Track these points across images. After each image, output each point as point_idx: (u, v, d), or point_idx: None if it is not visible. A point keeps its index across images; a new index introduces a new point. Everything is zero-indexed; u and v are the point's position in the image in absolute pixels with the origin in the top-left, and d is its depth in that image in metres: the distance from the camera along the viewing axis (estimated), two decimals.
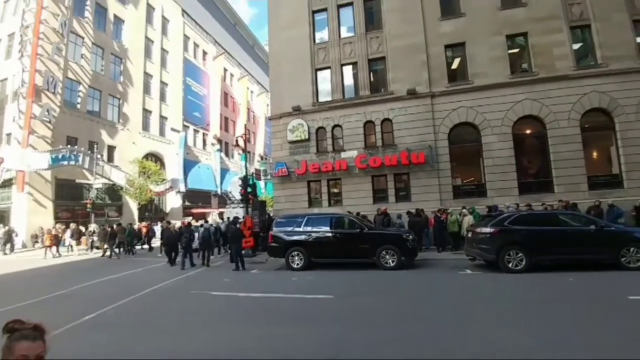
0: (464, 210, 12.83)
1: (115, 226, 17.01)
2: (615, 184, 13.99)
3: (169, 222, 15.83)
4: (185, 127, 35.85)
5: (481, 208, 13.15)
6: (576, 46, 15.04)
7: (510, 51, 15.52)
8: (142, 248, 18.91)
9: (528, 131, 15.21)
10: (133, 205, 27.57)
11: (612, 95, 14.09)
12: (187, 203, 34.07)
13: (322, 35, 18.03)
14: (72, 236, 17.77)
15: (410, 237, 10.11)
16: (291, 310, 6.17)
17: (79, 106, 24.96)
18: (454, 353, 3.96)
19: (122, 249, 16.78)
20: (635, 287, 6.63)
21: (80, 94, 25.19)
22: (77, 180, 22.82)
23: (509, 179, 14.52)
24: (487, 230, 8.96)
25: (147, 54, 31.95)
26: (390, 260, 9.66)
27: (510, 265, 8.44)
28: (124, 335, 5.14)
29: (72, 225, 18.90)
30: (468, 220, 11.98)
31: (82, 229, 19.81)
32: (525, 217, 9.19)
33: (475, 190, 15.30)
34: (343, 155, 16.21)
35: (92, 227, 19.43)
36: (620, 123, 14.02)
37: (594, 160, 14.80)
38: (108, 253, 15.69)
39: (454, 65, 16.30)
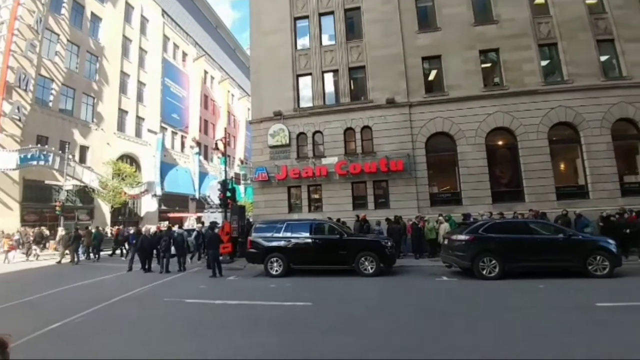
0: (440, 218, 13.15)
1: (79, 229, 16.20)
2: (581, 194, 14.73)
3: (138, 227, 15.27)
4: (163, 129, 34.96)
5: (457, 216, 13.52)
6: (544, 63, 15.88)
7: (483, 65, 16.17)
8: (112, 254, 18.04)
9: (500, 142, 15.84)
10: (106, 209, 26.47)
11: (578, 110, 14.92)
12: (163, 207, 33.08)
13: (303, 42, 18.16)
14: (34, 240, 16.77)
15: (389, 243, 10.25)
16: (268, 318, 6.06)
17: (51, 104, 23.88)
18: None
19: (90, 254, 16.00)
20: (602, 294, 6.93)
21: (53, 91, 24.14)
22: (46, 182, 21.73)
23: (482, 188, 15.04)
24: (463, 237, 9.23)
25: (125, 53, 31.06)
26: (369, 267, 9.73)
27: (484, 272, 8.70)
28: (90, 346, 4.88)
29: (35, 229, 17.87)
30: (444, 227, 12.29)
31: (47, 232, 18.76)
32: (498, 225, 9.53)
33: (451, 198, 15.73)
34: (323, 161, 16.28)
35: (60, 230, 18.47)
36: (585, 137, 14.84)
37: (561, 172, 15.56)
38: (68, 259, 14.82)
39: (431, 77, 16.80)
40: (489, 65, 16.42)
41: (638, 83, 14.75)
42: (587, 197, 14.52)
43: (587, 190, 14.67)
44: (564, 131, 15.25)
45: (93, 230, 16.91)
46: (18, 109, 20.78)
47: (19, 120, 21.04)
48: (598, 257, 8.52)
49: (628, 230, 10.97)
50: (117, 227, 22.53)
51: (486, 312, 6.12)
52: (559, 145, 15.27)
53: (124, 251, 17.51)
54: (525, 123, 15.16)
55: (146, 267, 11.94)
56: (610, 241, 8.86)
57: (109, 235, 20.46)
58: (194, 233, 15.92)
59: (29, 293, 8.35)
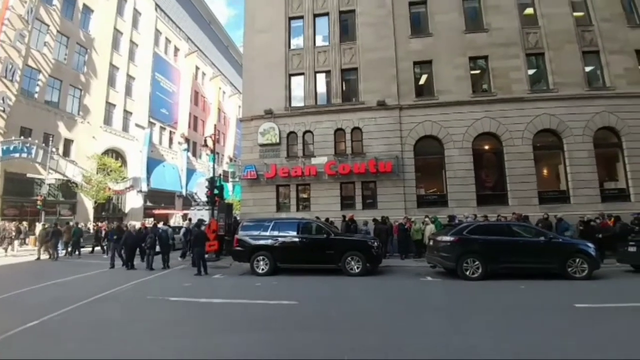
0: (426, 219, 13.33)
1: (58, 225, 15.78)
2: (563, 199, 15.18)
3: (120, 224, 14.95)
4: (151, 124, 34.37)
5: (443, 218, 13.74)
6: (531, 72, 16.32)
7: (472, 72, 16.52)
8: (92, 251, 17.53)
9: (486, 147, 16.19)
10: (89, 204, 25.84)
11: (562, 118, 15.39)
12: (148, 203, 32.50)
13: (297, 41, 18.18)
14: (16, 235, 16.24)
15: (376, 243, 10.34)
16: (253, 317, 6.03)
17: (36, 95, 23.19)
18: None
19: (70, 250, 15.62)
20: (581, 295, 7.14)
21: (40, 83, 23.46)
22: (28, 175, 21.01)
23: (468, 191, 15.33)
24: (448, 238, 9.39)
25: (115, 45, 30.44)
26: (355, 267, 9.80)
27: (467, 272, 8.87)
28: (68, 345, 4.71)
29: (6, 223, 17.22)
30: (430, 229, 12.47)
31: (24, 227, 18.10)
32: (482, 228, 9.76)
33: (437, 200, 15.98)
34: (313, 161, 16.32)
35: (38, 225, 17.90)
36: (568, 144, 15.31)
37: (544, 177, 15.99)
38: (46, 255, 14.41)
39: (422, 81, 17.06)
40: (478, 72, 16.79)
41: (620, 93, 15.31)
42: (568, 201, 14.97)
43: (568, 195, 15.11)
44: (547, 138, 15.69)
45: (73, 227, 16.42)
46: (3, 99, 20.15)
47: (3, 111, 20.37)
48: (577, 260, 8.78)
49: (600, 235, 11.36)
50: (97, 223, 22.02)
51: (467, 311, 6.25)
52: (542, 151, 15.69)
53: (104, 248, 17.11)
54: (511, 129, 15.53)
55: (129, 264, 11.70)
56: (590, 245, 9.15)
57: (91, 231, 19.90)
58: (183, 230, 15.73)
59: (4, 290, 8.01)
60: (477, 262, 8.89)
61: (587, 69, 15.92)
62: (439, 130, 15.94)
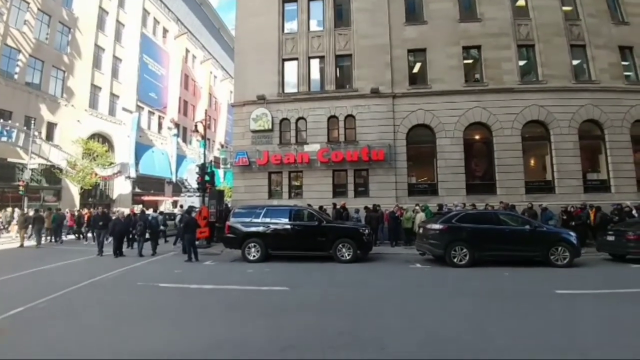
0: (417, 208, 13.54)
1: (39, 211, 15.42)
2: (548, 189, 15.60)
3: (104, 209, 14.67)
4: (140, 108, 33.46)
5: (433, 206, 13.94)
6: (522, 63, 16.48)
7: (465, 61, 16.56)
8: (78, 237, 17.17)
9: (477, 137, 16.38)
10: (74, 190, 25.27)
11: (549, 109, 15.66)
12: (137, 190, 31.99)
13: (291, 26, 17.80)
14: None
15: (367, 231, 10.48)
16: (244, 303, 6.09)
17: (16, 76, 22.24)
18: (396, 344, 4.20)
19: (49, 237, 15.32)
20: (562, 282, 7.41)
21: (20, 63, 22.46)
22: (8, 159, 20.39)
23: (458, 180, 15.56)
24: (437, 226, 9.59)
25: (100, 25, 29.25)
26: (346, 254, 9.93)
27: (455, 260, 9.11)
28: (53, 331, 4.62)
29: None
30: (420, 217, 12.68)
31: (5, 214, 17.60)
32: (470, 216, 9.97)
33: (428, 188, 16.20)
34: (306, 148, 16.25)
35: (16, 211, 17.40)
36: (554, 135, 15.62)
37: (531, 167, 16.33)
38: (28, 242, 14.09)
39: (415, 69, 17.01)
40: (471, 61, 16.83)
41: (605, 87, 15.74)
42: (553, 192, 15.39)
43: (553, 185, 15.53)
44: (536, 129, 15.97)
45: (53, 213, 15.98)
46: None
47: None
48: (560, 248, 9.12)
49: (573, 223, 11.83)
50: (80, 210, 21.36)
51: (453, 296, 6.44)
52: (530, 142, 15.98)
53: (83, 235, 16.79)
54: (501, 119, 15.72)
55: (118, 251, 11.58)
56: (572, 233, 9.52)
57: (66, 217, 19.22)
58: (178, 217, 15.61)
59: None
60: (464, 250, 9.13)
61: (575, 62, 16.22)
62: (431, 119, 16.02)
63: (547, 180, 15.88)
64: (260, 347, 4.02)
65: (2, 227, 15.70)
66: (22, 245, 13.95)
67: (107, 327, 4.81)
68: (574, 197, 14.68)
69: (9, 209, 17.74)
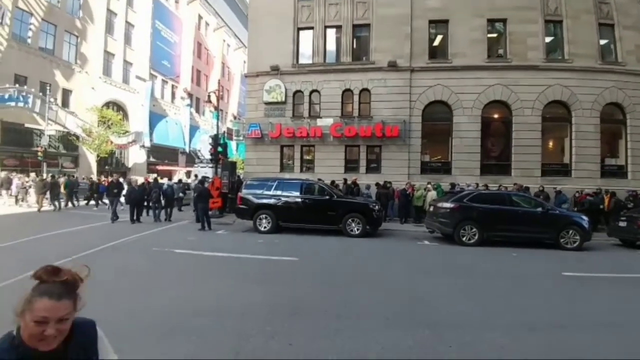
0: (428, 186, 13.47)
1: (55, 176, 15.81)
2: (564, 172, 15.26)
3: (118, 177, 14.94)
4: (153, 77, 33.28)
5: (445, 185, 13.85)
6: (548, 39, 15.61)
7: (489, 35, 15.77)
8: (87, 203, 17.48)
9: (496, 115, 15.88)
10: (91, 157, 25.87)
11: (573, 90, 14.98)
12: (152, 159, 32.55)
13: None
14: (2, 185, 16.34)
15: (377, 207, 10.55)
16: (255, 271, 6.31)
17: (29, 41, 22.16)
18: (400, 316, 4.33)
19: (64, 202, 15.72)
20: (570, 264, 7.45)
21: (32, 27, 22.29)
22: (26, 125, 20.76)
23: (473, 160, 15.29)
24: (448, 205, 9.58)
25: None
26: (355, 228, 10.06)
27: (464, 238, 9.16)
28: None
29: (3, 174, 17.09)
30: (431, 195, 12.64)
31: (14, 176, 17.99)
32: (482, 196, 9.92)
33: (441, 167, 16.01)
34: (319, 122, 16.07)
35: (33, 176, 17.89)
36: (576, 117, 15.05)
37: (549, 149, 15.90)
38: (45, 206, 14.53)
39: (436, 42, 16.29)
40: (495, 35, 16.03)
41: (630, 70, 15.00)
42: (569, 175, 15.08)
43: (570, 169, 15.20)
44: (557, 110, 15.40)
45: (65, 179, 16.32)
46: None
47: None
48: (570, 232, 9.10)
49: (575, 208, 11.75)
50: (100, 177, 21.81)
51: (459, 273, 6.54)
52: (550, 123, 15.48)
53: (96, 201, 17.14)
54: (522, 98, 15.14)
55: (134, 218, 11.95)
56: (584, 217, 9.45)
57: (87, 183, 19.61)
58: (193, 185, 15.88)
59: (10, 239, 8.06)
60: (474, 229, 9.15)
61: (602, 42, 15.38)
62: (449, 96, 15.52)
63: (564, 163, 15.50)
64: (270, 311, 4.21)
65: (26, 192, 16.22)
66: (39, 210, 14.25)
67: (121, 288, 5.00)
68: (590, 182, 14.37)
69: (32, 174, 18.24)
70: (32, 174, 18.40)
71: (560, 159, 15.75)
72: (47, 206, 14.75)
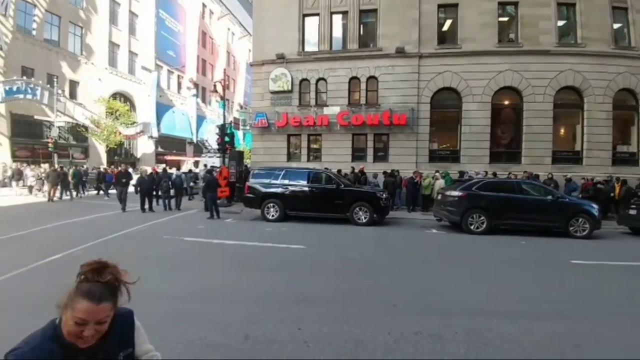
0: (437, 174, 13.38)
1: (63, 167, 16.10)
2: (575, 160, 15.00)
3: (126, 167, 15.12)
4: (158, 67, 33.28)
5: (454, 173, 13.74)
6: (560, 23, 15.14)
7: (500, 19, 15.33)
8: (97, 193, 17.79)
9: (506, 102, 15.57)
10: (101, 148, 26.18)
11: (586, 75, 14.59)
12: (160, 149, 32.82)
13: None
14: (12, 177, 16.62)
15: (384, 195, 10.54)
16: (263, 258, 6.40)
17: (34, 32, 22.22)
18: (407, 303, 4.36)
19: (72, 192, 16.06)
20: (578, 253, 7.35)
21: (36, 18, 22.32)
22: (35, 117, 20.98)
23: (482, 147, 15.09)
24: (456, 193, 9.52)
25: None
26: (362, 217, 10.09)
27: (472, 227, 9.11)
28: None
29: (16, 165, 17.37)
30: (440, 183, 12.58)
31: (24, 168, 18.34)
32: (491, 184, 9.82)
33: (449, 155, 15.84)
34: (325, 110, 15.96)
35: (47, 167, 18.18)
36: (588, 103, 14.68)
37: (560, 136, 15.59)
38: (59, 195, 14.88)
39: (445, 27, 15.90)
40: (506, 19, 15.60)
41: None
42: (580, 162, 14.84)
43: (581, 156, 14.94)
44: (569, 96, 15.05)
45: (73, 169, 16.57)
46: None
47: (0, 48, 19.59)
48: (580, 220, 8.99)
49: (580, 195, 11.54)
50: (112, 167, 22.21)
51: (466, 261, 6.54)
52: (562, 109, 15.14)
53: (104, 191, 17.41)
54: (534, 84, 14.80)
55: (145, 207, 12.15)
56: (594, 205, 9.30)
57: (92, 173, 19.90)
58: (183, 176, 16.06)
59: (24, 227, 8.23)
60: (482, 217, 9.09)
61: (615, 26, 14.87)
62: (458, 82, 15.23)
63: (575, 151, 15.24)
64: (278, 297, 4.28)
65: (42, 183, 16.52)
66: (51, 200, 14.49)
67: (136, 275, 5.10)
68: (601, 169, 14.13)
69: (45, 165, 18.55)
70: (46, 165, 18.70)
71: (571, 146, 15.46)
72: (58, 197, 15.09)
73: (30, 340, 1.01)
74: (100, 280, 1.02)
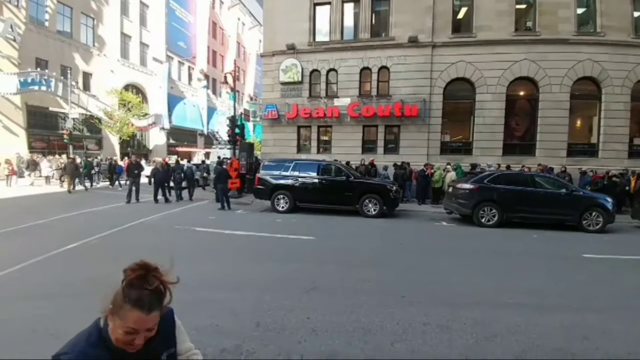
0: (448, 167, 13.23)
1: (75, 158, 16.44)
2: (591, 152, 14.61)
3: (137, 159, 15.32)
4: (169, 58, 33.43)
5: (465, 166, 13.55)
6: (580, 11, 14.59)
7: (517, 6, 14.85)
8: (120, 183, 18.10)
9: (521, 93, 15.19)
10: (114, 139, 26.64)
11: (604, 65, 14.10)
12: (171, 141, 33.22)
13: None
14: (27, 167, 17.04)
15: (394, 188, 10.49)
16: (273, 248, 6.49)
17: (47, 24, 22.46)
18: (416, 294, 4.38)
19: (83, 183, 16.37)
20: (591, 247, 7.25)
21: (48, 9, 22.52)
22: (50, 109, 21.37)
23: (495, 139, 14.82)
24: (467, 186, 9.41)
25: None
26: (372, 209, 10.09)
27: (483, 220, 9.03)
28: (103, 267, 4.85)
29: (27, 155, 17.73)
30: (451, 176, 12.44)
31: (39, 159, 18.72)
32: (504, 177, 9.64)
33: (462, 147, 15.62)
34: (336, 102, 15.86)
35: (63, 158, 18.62)
36: (606, 94, 14.22)
37: (576, 128, 15.18)
38: (80, 186, 15.24)
39: (460, 15, 15.50)
40: (523, 7, 15.09)
41: None
42: (596, 155, 14.48)
43: (597, 149, 14.57)
44: (587, 86, 14.59)
45: (83, 160, 16.92)
46: (11, 27, 19.23)
47: (14, 40, 19.70)
48: (594, 213, 8.82)
49: (589, 188, 11.25)
50: (126, 158, 22.53)
51: (476, 254, 6.50)
52: (579, 100, 14.71)
53: (117, 181, 17.66)
54: (550, 74, 14.36)
55: (159, 197, 12.34)
56: (609, 199, 9.09)
57: (104, 164, 20.03)
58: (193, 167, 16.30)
59: (43, 216, 8.49)
60: (493, 210, 8.99)
61: (636, 14, 14.24)
62: (472, 73, 14.89)
63: (591, 143, 14.84)
64: (288, 286, 4.36)
65: (61, 174, 16.97)
66: (70, 191, 14.63)
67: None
68: (617, 162, 13.80)
69: (63, 156, 18.94)
70: (63, 156, 19.16)
71: (587, 139, 15.05)
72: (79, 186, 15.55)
73: (75, 345, 1.01)
74: (148, 288, 1.01)
